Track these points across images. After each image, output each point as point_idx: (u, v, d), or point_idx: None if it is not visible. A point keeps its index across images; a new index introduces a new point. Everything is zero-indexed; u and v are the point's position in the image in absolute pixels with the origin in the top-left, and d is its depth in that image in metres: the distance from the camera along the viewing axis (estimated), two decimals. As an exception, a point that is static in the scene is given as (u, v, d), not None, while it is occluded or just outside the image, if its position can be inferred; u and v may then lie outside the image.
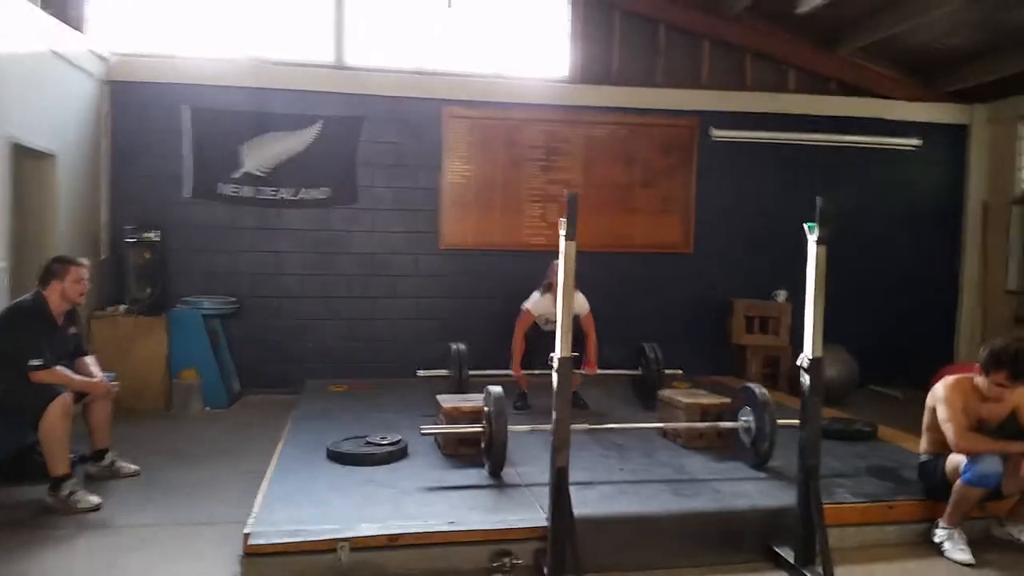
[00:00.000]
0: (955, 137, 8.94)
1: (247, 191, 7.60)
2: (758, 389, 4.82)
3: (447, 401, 5.14)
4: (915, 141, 8.72)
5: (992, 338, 4.28)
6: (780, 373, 8.05)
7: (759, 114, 8.50)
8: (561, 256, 3.46)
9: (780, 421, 4.69)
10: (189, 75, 7.51)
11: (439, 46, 8.06)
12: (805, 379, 3.76)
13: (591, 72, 8.29)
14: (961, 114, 8.90)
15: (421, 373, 6.90)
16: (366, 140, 7.84)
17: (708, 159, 8.40)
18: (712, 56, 8.52)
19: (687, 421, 5.19)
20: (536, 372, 6.32)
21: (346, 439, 5.02)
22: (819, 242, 3.73)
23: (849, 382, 7.83)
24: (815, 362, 3.72)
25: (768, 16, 8.43)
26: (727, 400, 5.31)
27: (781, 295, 8.17)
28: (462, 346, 6.77)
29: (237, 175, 7.57)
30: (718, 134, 8.38)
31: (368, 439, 4.96)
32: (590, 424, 5.24)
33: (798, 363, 3.81)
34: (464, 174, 7.98)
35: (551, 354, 3.57)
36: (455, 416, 4.95)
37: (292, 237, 7.75)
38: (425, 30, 8.02)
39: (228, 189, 7.57)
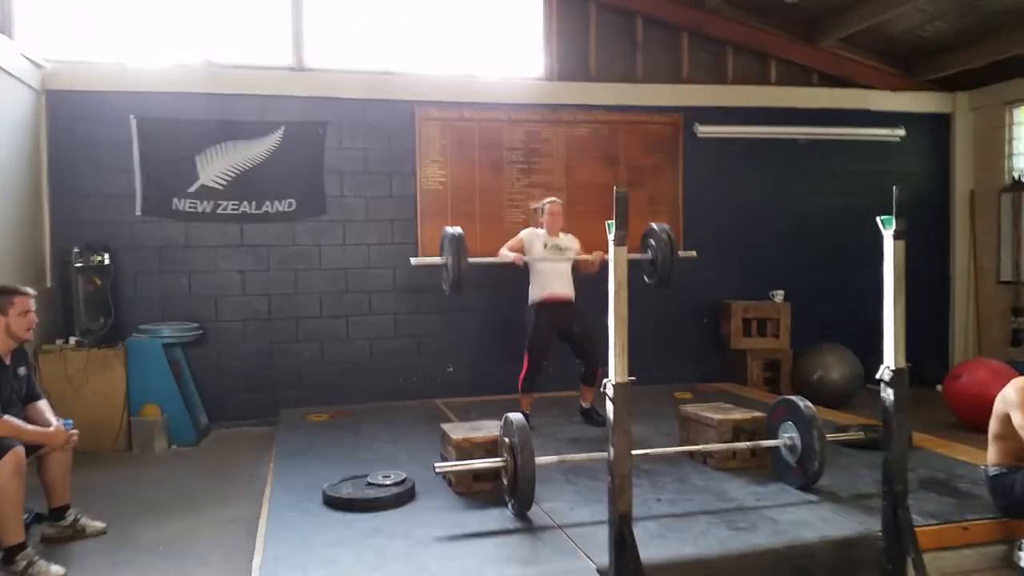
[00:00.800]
0: (938, 126, 8.74)
1: (205, 206, 6.95)
2: (802, 402, 4.38)
3: (456, 431, 4.60)
4: (899, 132, 8.49)
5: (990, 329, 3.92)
6: (781, 377, 7.68)
7: (743, 108, 8.17)
8: (611, 265, 2.99)
9: (830, 436, 4.28)
10: (136, 82, 6.84)
11: (408, 45, 7.53)
12: (887, 393, 3.34)
13: (568, 69, 7.85)
14: (943, 103, 8.71)
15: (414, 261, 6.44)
16: (332, 146, 7.27)
17: (694, 157, 8.02)
18: (692, 49, 8.16)
19: (719, 440, 4.74)
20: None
21: (343, 480, 4.45)
22: (896, 237, 3.29)
23: (855, 383, 7.51)
24: (898, 374, 3.29)
25: (747, 7, 8.13)
26: (761, 415, 4.88)
27: (778, 295, 7.82)
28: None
29: (193, 189, 6.92)
30: (704, 131, 8.02)
31: (368, 479, 4.40)
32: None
33: (878, 376, 3.37)
34: (440, 180, 7.46)
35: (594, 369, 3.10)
36: (467, 448, 4.42)
37: (257, 254, 7.13)
38: (392, 29, 7.47)
39: (184, 204, 6.91)
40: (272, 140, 7.11)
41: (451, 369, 7.52)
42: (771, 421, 4.60)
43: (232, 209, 7.02)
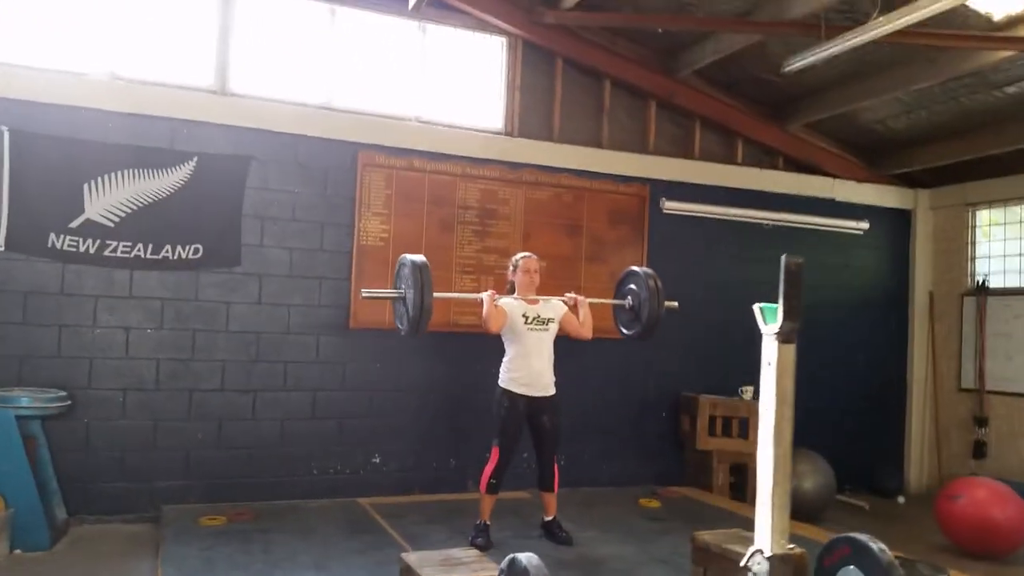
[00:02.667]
0: (900, 222, 8.43)
1: (89, 245, 5.60)
2: (875, 544, 3.49)
3: (429, 572, 3.42)
4: (864, 225, 8.10)
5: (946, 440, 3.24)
6: (748, 483, 6.85)
7: (710, 187, 7.57)
8: (773, 371, 2.04)
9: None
10: (14, 87, 5.50)
11: (352, 79, 6.52)
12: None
13: (530, 126, 7.03)
14: (905, 199, 8.42)
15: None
16: (255, 186, 6.09)
17: (659, 233, 7.30)
18: (660, 120, 7.52)
19: (752, 581, 3.79)
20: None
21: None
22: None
23: (828, 493, 6.77)
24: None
25: (716, 82, 7.62)
26: (802, 552, 3.97)
27: (747, 391, 7.07)
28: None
29: (76, 224, 5.57)
30: (670, 206, 7.32)
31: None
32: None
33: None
34: (382, 236, 6.38)
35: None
36: (450, 593, 3.28)
37: (148, 309, 5.79)
38: (334, 58, 6.45)
39: (63, 242, 5.54)
40: (182, 173, 5.87)
41: (377, 459, 6.30)
42: (825, 563, 3.69)
43: (123, 251, 5.69)
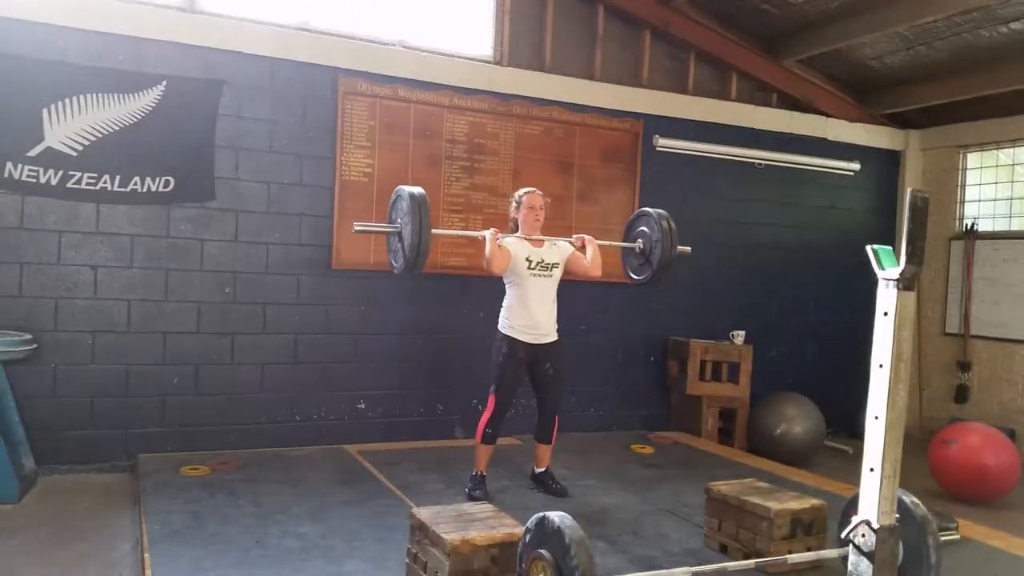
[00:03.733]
0: (889, 163, 8.28)
1: (51, 176, 5.16)
2: (908, 497, 3.36)
3: (445, 529, 3.20)
4: (855, 166, 7.93)
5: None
6: (736, 429, 6.78)
7: (704, 123, 7.30)
8: (889, 322, 1.81)
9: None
10: (-41, -3, 4.97)
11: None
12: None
13: (520, 55, 6.65)
14: (896, 139, 8.25)
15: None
16: (229, 114, 5.66)
17: (651, 172, 7.03)
18: (653, 50, 7.18)
19: (772, 535, 3.67)
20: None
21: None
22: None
23: (817, 439, 6.73)
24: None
25: (712, 12, 7.28)
26: (821, 504, 3.86)
27: (739, 336, 6.94)
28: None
29: (36, 152, 5.10)
30: (663, 144, 7.05)
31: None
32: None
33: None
34: (365, 170, 6.02)
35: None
36: (466, 556, 3.07)
37: (117, 245, 5.39)
38: (314, -25, 5.98)
39: (21, 171, 5.08)
40: (149, 97, 5.41)
41: (363, 405, 6.06)
42: (849, 516, 3.56)
43: (88, 183, 5.25)
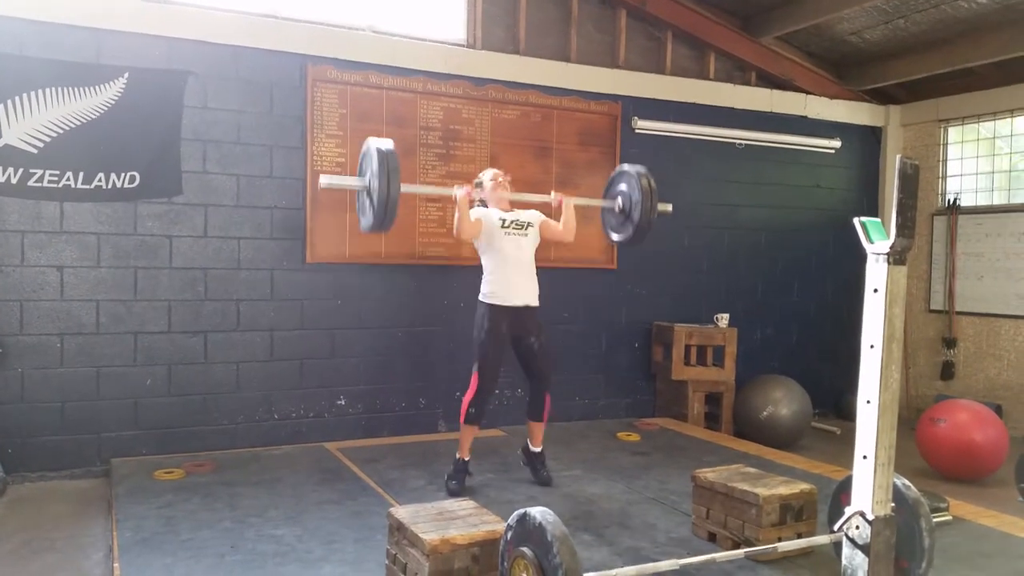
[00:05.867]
0: (870, 140, 8.20)
1: (10, 174, 4.97)
2: (900, 480, 3.28)
3: (421, 523, 3.09)
4: (835, 143, 7.84)
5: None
6: (723, 412, 6.70)
7: (682, 104, 7.19)
8: (880, 299, 1.71)
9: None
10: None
11: (299, -16, 5.90)
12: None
13: (494, 38, 6.50)
14: (876, 115, 8.16)
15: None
16: (194, 106, 5.48)
17: (631, 154, 6.85)
18: (630, 31, 7.05)
19: (761, 522, 3.58)
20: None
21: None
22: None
23: (804, 421, 6.66)
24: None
25: (689, -14, 7.16)
26: (811, 488, 3.77)
27: (723, 319, 6.86)
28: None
29: (-8, 149, 4.94)
30: (642, 126, 6.93)
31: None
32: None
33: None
34: (337, 159, 5.86)
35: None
36: (446, 556, 2.96)
37: (83, 244, 5.22)
38: (278, -40, 5.80)
39: (-23, 170, 4.91)
40: (112, 90, 5.23)
41: (342, 401, 5.93)
42: (844, 501, 3.47)
43: (50, 181, 5.08)
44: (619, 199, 4.86)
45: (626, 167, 4.90)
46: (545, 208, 4.92)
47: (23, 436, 5.07)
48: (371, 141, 4.12)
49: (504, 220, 4.65)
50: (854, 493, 2.36)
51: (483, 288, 4.70)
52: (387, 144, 4.03)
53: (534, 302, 4.72)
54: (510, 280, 4.62)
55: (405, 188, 4.22)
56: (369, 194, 4.06)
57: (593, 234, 6.71)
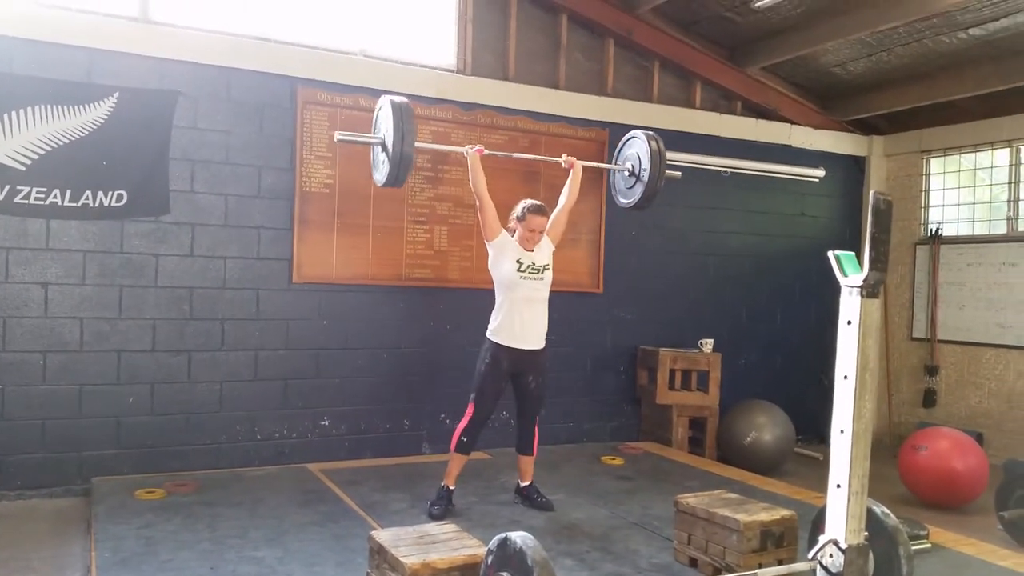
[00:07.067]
0: (854, 170, 8.31)
1: (-3, 191, 4.99)
2: (878, 508, 3.31)
3: (401, 547, 3.09)
4: (820, 172, 7.94)
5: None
6: (707, 438, 6.72)
7: (669, 132, 7.17)
8: (854, 331, 1.75)
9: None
10: (-103, 6, 4.80)
11: (290, 7, 5.95)
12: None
13: (484, 64, 6.58)
14: (859, 145, 8.29)
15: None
16: (184, 126, 5.51)
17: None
18: (618, 59, 7.15)
19: (742, 548, 3.60)
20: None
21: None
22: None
23: (787, 446, 6.69)
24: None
25: (676, 21, 7.28)
26: (791, 515, 3.79)
27: (708, 344, 6.90)
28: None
29: (-20, 166, 4.94)
30: (629, 151, 6.99)
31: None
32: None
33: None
34: (327, 182, 5.89)
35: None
36: (428, 577, 2.96)
37: (68, 262, 5.22)
38: (271, -16, 5.86)
39: (-36, 186, 4.91)
40: (101, 109, 5.25)
41: (326, 422, 5.92)
42: (818, 529, 3.50)
43: (37, 198, 5.07)
44: (629, 163, 5.01)
45: (636, 132, 5.09)
46: (556, 168, 5.13)
47: (2, 454, 5.03)
48: (386, 98, 4.23)
49: (521, 264, 4.62)
50: (827, 521, 2.37)
51: (491, 323, 4.71)
52: (402, 100, 4.16)
53: (540, 345, 4.73)
54: (518, 323, 4.62)
55: (419, 145, 4.33)
56: (385, 149, 4.14)
57: (580, 258, 6.80)
